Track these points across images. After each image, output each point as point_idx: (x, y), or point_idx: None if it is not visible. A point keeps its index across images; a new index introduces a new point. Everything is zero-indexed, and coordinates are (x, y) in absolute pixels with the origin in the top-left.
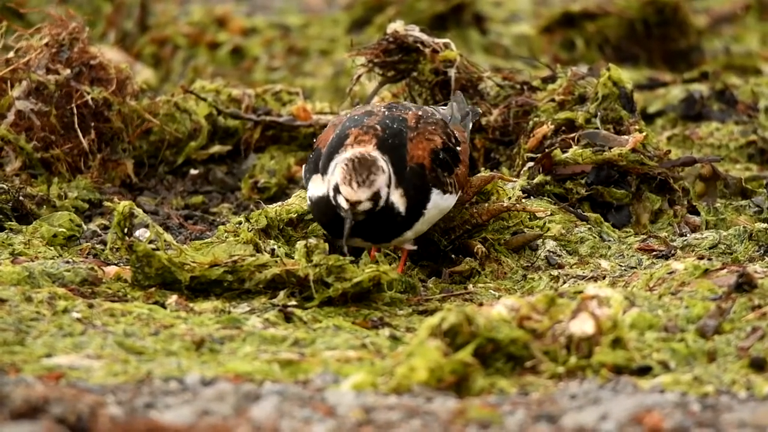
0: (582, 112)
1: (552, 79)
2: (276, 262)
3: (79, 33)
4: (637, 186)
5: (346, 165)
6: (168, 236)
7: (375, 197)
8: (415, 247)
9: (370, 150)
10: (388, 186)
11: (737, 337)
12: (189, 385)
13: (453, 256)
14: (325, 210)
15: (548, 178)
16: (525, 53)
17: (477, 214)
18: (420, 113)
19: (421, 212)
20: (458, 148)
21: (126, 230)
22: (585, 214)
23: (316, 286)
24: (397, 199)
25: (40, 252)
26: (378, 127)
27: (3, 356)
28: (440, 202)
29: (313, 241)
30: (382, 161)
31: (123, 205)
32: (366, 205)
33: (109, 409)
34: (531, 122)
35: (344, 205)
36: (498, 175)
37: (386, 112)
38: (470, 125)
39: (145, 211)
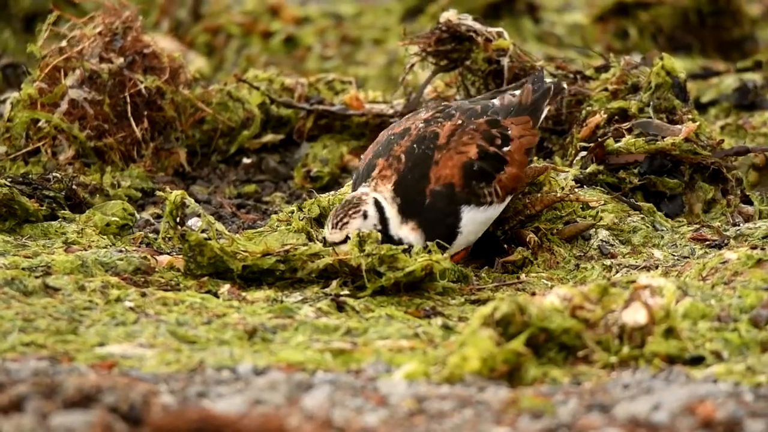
0: (635, 101)
1: (605, 68)
2: (329, 251)
3: (133, 22)
4: (690, 175)
5: (337, 205)
6: (220, 225)
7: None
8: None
9: (379, 191)
10: (379, 225)
11: None
12: (241, 375)
13: (505, 245)
14: None
15: (601, 167)
16: (578, 42)
17: (530, 204)
18: (459, 122)
19: (454, 233)
20: (506, 149)
21: (178, 219)
22: (638, 203)
23: (368, 275)
24: (407, 233)
25: (93, 241)
26: (402, 157)
27: (56, 345)
28: (477, 216)
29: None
30: (370, 206)
31: (175, 194)
32: (345, 248)
33: (162, 398)
34: (584, 111)
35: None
36: (551, 166)
37: (421, 130)
38: (545, 108)
39: (197, 200)
